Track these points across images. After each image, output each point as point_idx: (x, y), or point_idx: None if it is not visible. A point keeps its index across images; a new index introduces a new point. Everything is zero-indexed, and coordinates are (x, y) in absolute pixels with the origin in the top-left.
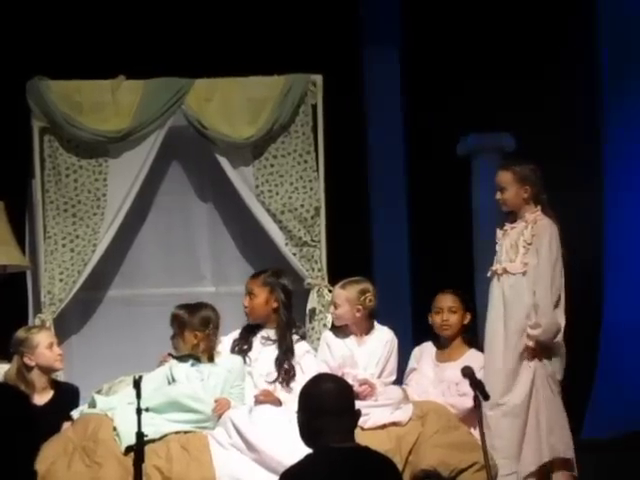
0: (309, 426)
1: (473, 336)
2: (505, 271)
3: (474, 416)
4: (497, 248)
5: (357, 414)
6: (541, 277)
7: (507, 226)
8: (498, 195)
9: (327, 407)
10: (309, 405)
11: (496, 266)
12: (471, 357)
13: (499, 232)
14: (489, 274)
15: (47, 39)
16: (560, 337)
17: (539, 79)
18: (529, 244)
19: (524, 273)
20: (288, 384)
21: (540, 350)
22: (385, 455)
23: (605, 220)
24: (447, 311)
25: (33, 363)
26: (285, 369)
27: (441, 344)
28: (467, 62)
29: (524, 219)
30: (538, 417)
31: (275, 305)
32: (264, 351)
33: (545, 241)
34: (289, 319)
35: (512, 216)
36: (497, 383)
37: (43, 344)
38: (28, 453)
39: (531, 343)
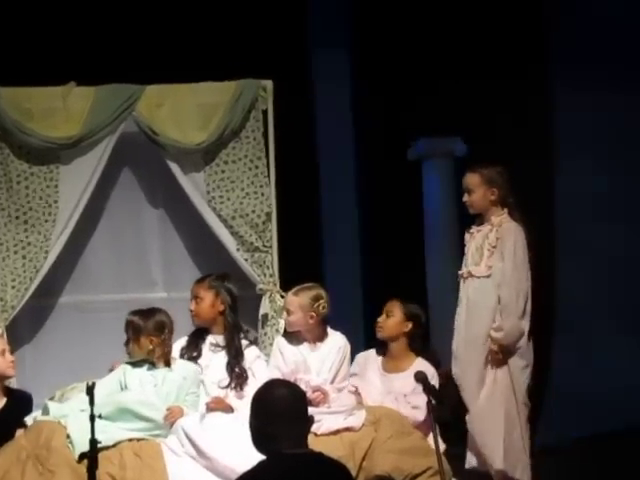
0: (261, 432)
1: (424, 344)
2: (470, 274)
3: (427, 426)
4: (465, 251)
5: (310, 420)
6: (505, 280)
7: (473, 229)
8: (465, 197)
9: (280, 413)
10: (261, 411)
11: (463, 269)
12: (419, 366)
13: (466, 235)
14: (458, 278)
15: None
16: (524, 342)
17: (490, 83)
18: (494, 247)
19: (489, 276)
20: (241, 388)
21: (504, 355)
22: (338, 461)
23: (556, 224)
24: (385, 314)
25: None
26: (237, 374)
27: (387, 353)
28: (417, 66)
29: (490, 222)
30: (503, 430)
31: (221, 308)
32: (214, 358)
33: (509, 244)
34: (236, 322)
35: (479, 219)
36: (467, 388)
37: None
38: None
39: (494, 347)
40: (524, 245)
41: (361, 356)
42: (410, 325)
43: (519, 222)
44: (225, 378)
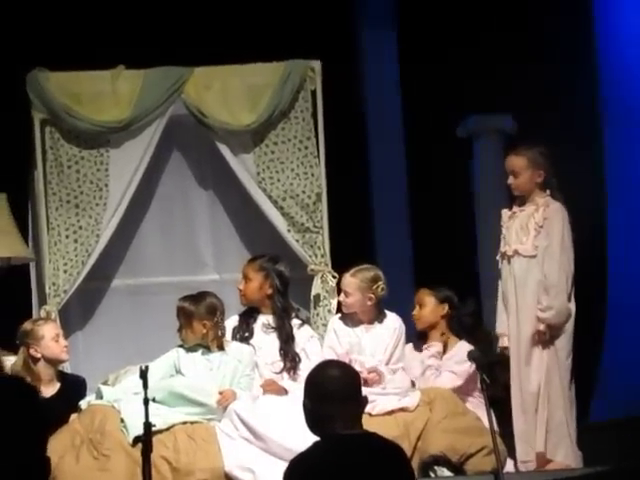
0: (315, 413)
1: (476, 324)
2: (516, 253)
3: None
4: (503, 231)
5: (364, 401)
6: (552, 260)
7: (515, 208)
8: (511, 180)
9: (333, 394)
10: (315, 392)
11: (505, 248)
12: (461, 349)
13: (505, 214)
14: (498, 256)
15: (46, 31)
16: (570, 324)
17: (539, 61)
18: (540, 227)
19: (535, 256)
20: (294, 372)
21: (551, 335)
22: (393, 441)
23: (607, 202)
24: (417, 306)
25: (39, 355)
26: (290, 358)
27: (425, 342)
28: (466, 44)
29: (534, 202)
30: (546, 411)
31: (269, 291)
32: (266, 339)
33: (557, 224)
34: (285, 305)
35: (520, 198)
36: (513, 368)
37: (49, 336)
38: (39, 444)
39: (542, 327)
40: (569, 227)
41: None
42: (446, 307)
43: (561, 203)
44: (278, 361)
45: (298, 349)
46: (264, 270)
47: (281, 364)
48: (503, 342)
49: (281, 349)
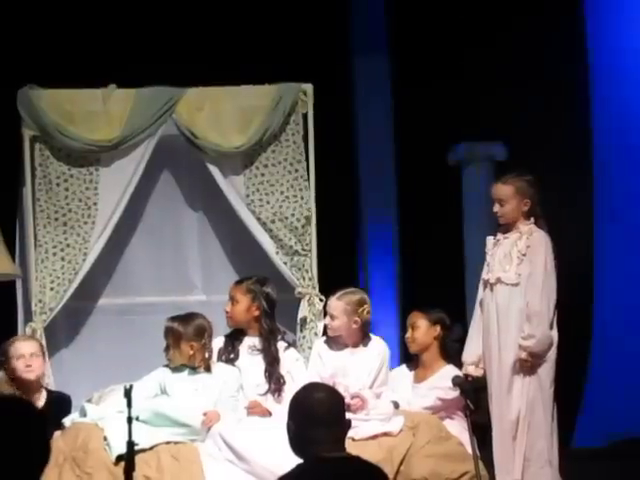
0: (300, 435)
1: (461, 348)
2: (499, 281)
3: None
4: (488, 258)
5: (348, 424)
6: (535, 288)
7: (499, 236)
8: (496, 208)
9: (318, 417)
10: (300, 414)
11: (488, 275)
12: (445, 372)
13: (490, 241)
14: (480, 283)
15: (38, 48)
16: (553, 353)
17: (531, 88)
18: (523, 255)
19: (517, 284)
20: (279, 394)
21: (532, 364)
22: (376, 465)
23: (595, 227)
24: (410, 328)
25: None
26: (274, 379)
27: (419, 364)
28: (458, 71)
29: (518, 230)
30: (525, 440)
31: (256, 313)
32: (252, 361)
33: (540, 252)
34: (271, 328)
35: (504, 226)
36: (493, 396)
37: (14, 355)
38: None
39: (524, 355)
40: (552, 255)
41: (393, 372)
42: (438, 329)
43: (545, 231)
44: (263, 383)
45: (283, 371)
46: (251, 292)
47: (266, 386)
48: (466, 370)
49: (266, 371)
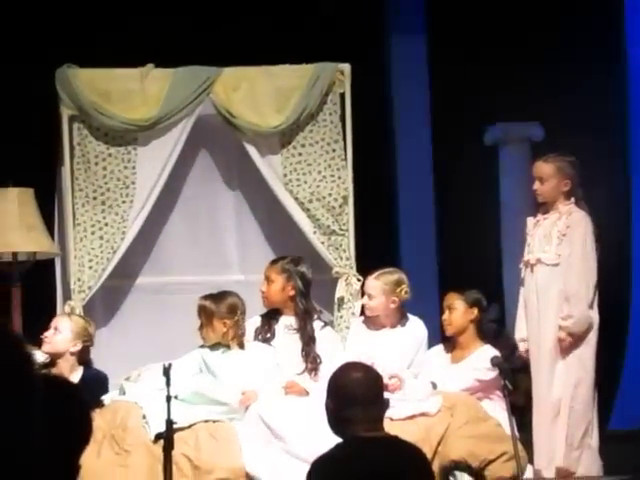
0: (338, 415)
1: (499, 330)
2: (539, 261)
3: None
4: (528, 239)
5: (386, 403)
6: (573, 268)
7: (539, 216)
8: (537, 185)
9: (356, 396)
10: (338, 394)
11: (528, 256)
12: (482, 353)
13: (530, 222)
14: (521, 264)
15: (76, 27)
16: (593, 334)
17: (569, 68)
18: (563, 235)
19: (557, 264)
20: (315, 373)
21: (572, 344)
22: (415, 445)
23: (632, 210)
24: (447, 310)
25: None
26: (311, 359)
27: (456, 346)
28: (495, 50)
29: (557, 210)
30: (568, 423)
31: (292, 293)
32: (288, 340)
33: (580, 233)
34: (307, 307)
35: (544, 207)
36: (535, 377)
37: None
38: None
39: (562, 334)
40: (592, 236)
41: (430, 353)
42: (475, 311)
43: (586, 212)
44: (299, 362)
45: (320, 351)
46: (286, 272)
47: (303, 365)
48: (524, 347)
49: (303, 350)
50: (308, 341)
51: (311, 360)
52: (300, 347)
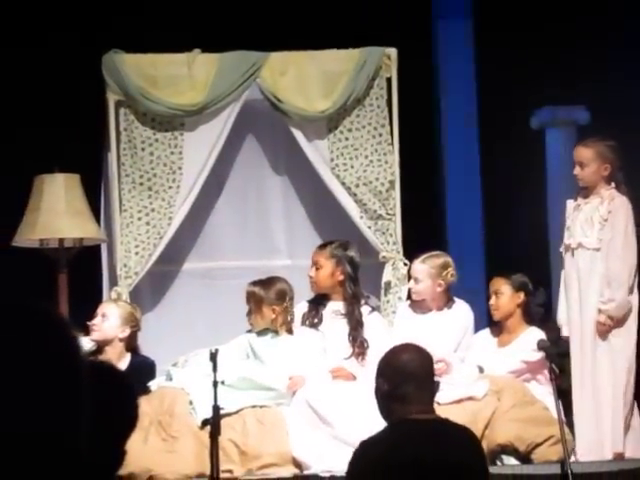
0: (391, 394)
1: (546, 314)
2: (580, 246)
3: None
4: (568, 222)
5: (437, 385)
6: (615, 253)
7: (580, 200)
8: (577, 170)
9: (409, 375)
10: (391, 373)
11: (569, 240)
12: (529, 335)
13: (570, 206)
14: (561, 248)
15: (123, 12)
16: (633, 319)
17: (615, 52)
18: (605, 220)
19: (599, 249)
20: (363, 358)
21: (612, 328)
22: (466, 427)
23: None
24: (494, 295)
25: None
26: (358, 344)
27: (503, 330)
28: (541, 34)
29: (599, 195)
30: (608, 402)
31: (341, 278)
32: (336, 325)
33: (621, 218)
34: (355, 292)
35: (584, 191)
36: (576, 361)
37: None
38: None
39: (602, 318)
40: (633, 221)
41: (477, 336)
42: (522, 295)
43: (627, 197)
44: (347, 347)
45: (367, 336)
46: (335, 257)
47: (350, 350)
48: (565, 331)
49: (350, 335)
50: (356, 326)
51: (358, 345)
52: (347, 332)
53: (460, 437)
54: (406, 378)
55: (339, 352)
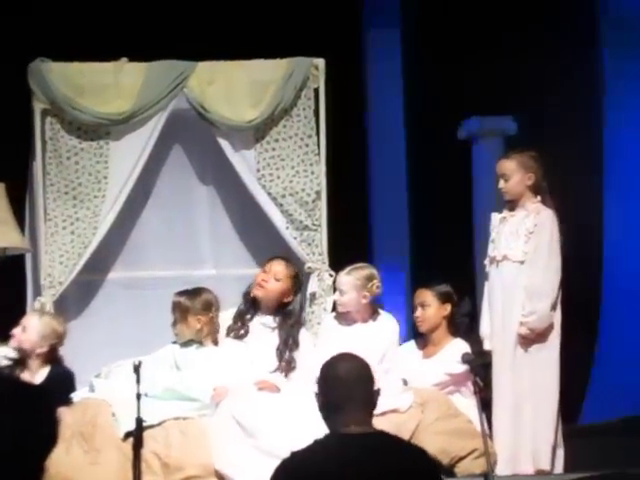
0: (323, 406)
1: (470, 327)
2: (505, 258)
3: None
4: (493, 234)
5: (376, 392)
6: (538, 265)
7: (506, 213)
8: (501, 184)
9: (338, 382)
10: (322, 382)
11: (494, 252)
12: (453, 347)
13: (495, 218)
14: (486, 261)
15: (49, 21)
16: (555, 334)
17: (541, 62)
18: (531, 233)
19: (523, 262)
20: (286, 375)
21: (534, 340)
22: (417, 445)
23: (605, 204)
24: (419, 307)
25: None
26: (286, 360)
27: (428, 342)
28: (468, 45)
29: (524, 208)
30: (528, 416)
31: (289, 299)
32: (263, 337)
33: (546, 231)
34: (300, 312)
35: (510, 203)
36: (497, 372)
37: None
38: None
39: (523, 330)
40: (558, 234)
41: (402, 348)
42: (449, 307)
43: (552, 208)
44: (273, 361)
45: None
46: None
47: (275, 364)
48: (487, 344)
49: (278, 349)
50: (286, 340)
51: (286, 361)
52: (275, 345)
53: (397, 452)
54: (335, 385)
55: (265, 365)
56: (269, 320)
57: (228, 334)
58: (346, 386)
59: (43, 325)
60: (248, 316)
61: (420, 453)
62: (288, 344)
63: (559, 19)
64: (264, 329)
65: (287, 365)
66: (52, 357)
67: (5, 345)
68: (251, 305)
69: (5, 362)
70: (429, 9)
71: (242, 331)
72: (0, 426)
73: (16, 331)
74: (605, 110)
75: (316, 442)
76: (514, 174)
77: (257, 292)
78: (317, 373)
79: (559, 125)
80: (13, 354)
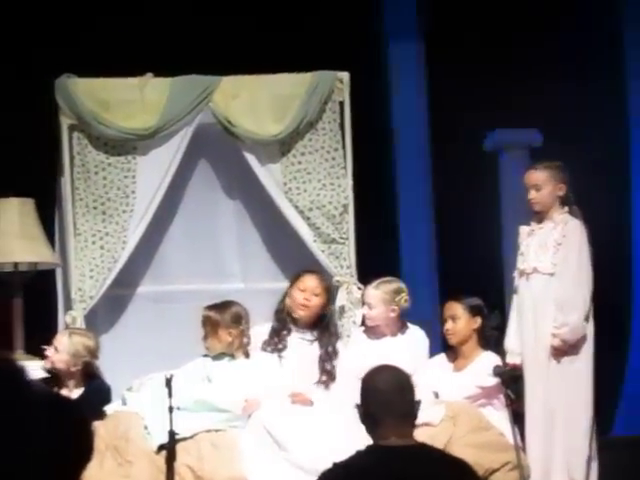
0: (364, 418)
1: (499, 336)
2: (535, 270)
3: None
4: (521, 247)
5: (417, 404)
6: (568, 277)
7: (534, 225)
8: (532, 194)
9: (377, 395)
10: (363, 395)
11: (524, 265)
12: (484, 359)
13: (523, 231)
14: (515, 273)
15: (75, 37)
16: (588, 346)
17: (568, 75)
18: (559, 244)
19: (553, 274)
20: (327, 386)
21: (567, 352)
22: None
23: (632, 216)
24: (450, 319)
25: None
26: (328, 370)
27: (459, 355)
28: (494, 56)
29: (552, 220)
30: (561, 428)
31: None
32: (302, 351)
33: (575, 242)
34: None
35: (537, 215)
36: (529, 386)
37: None
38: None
39: (556, 342)
40: (587, 245)
41: (432, 361)
42: (479, 320)
43: (580, 219)
44: (312, 373)
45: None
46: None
47: (314, 375)
48: (511, 358)
49: (321, 359)
50: (327, 350)
51: (327, 371)
52: (313, 358)
53: (438, 464)
54: (374, 396)
55: (306, 377)
56: (307, 334)
57: (264, 349)
58: (384, 398)
59: (74, 344)
60: (284, 332)
61: (462, 465)
62: (329, 353)
63: (588, 28)
64: (302, 342)
65: (328, 376)
66: (88, 372)
67: (38, 359)
68: (285, 322)
69: (40, 375)
70: (454, 20)
71: (280, 345)
72: (37, 439)
73: (49, 352)
74: (630, 121)
75: (357, 454)
76: (546, 185)
77: (301, 312)
78: (351, 384)
79: (584, 138)
80: (45, 373)
